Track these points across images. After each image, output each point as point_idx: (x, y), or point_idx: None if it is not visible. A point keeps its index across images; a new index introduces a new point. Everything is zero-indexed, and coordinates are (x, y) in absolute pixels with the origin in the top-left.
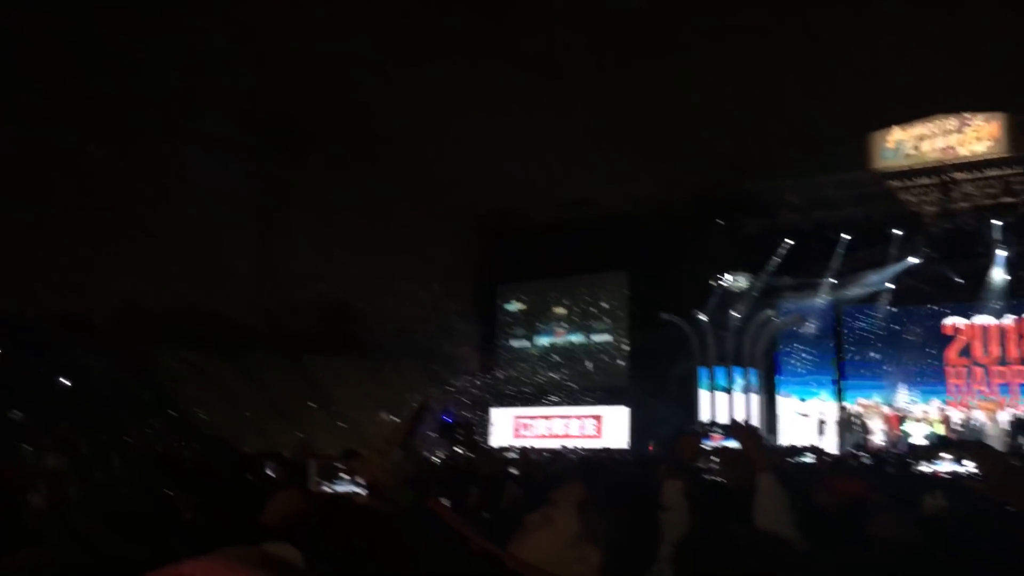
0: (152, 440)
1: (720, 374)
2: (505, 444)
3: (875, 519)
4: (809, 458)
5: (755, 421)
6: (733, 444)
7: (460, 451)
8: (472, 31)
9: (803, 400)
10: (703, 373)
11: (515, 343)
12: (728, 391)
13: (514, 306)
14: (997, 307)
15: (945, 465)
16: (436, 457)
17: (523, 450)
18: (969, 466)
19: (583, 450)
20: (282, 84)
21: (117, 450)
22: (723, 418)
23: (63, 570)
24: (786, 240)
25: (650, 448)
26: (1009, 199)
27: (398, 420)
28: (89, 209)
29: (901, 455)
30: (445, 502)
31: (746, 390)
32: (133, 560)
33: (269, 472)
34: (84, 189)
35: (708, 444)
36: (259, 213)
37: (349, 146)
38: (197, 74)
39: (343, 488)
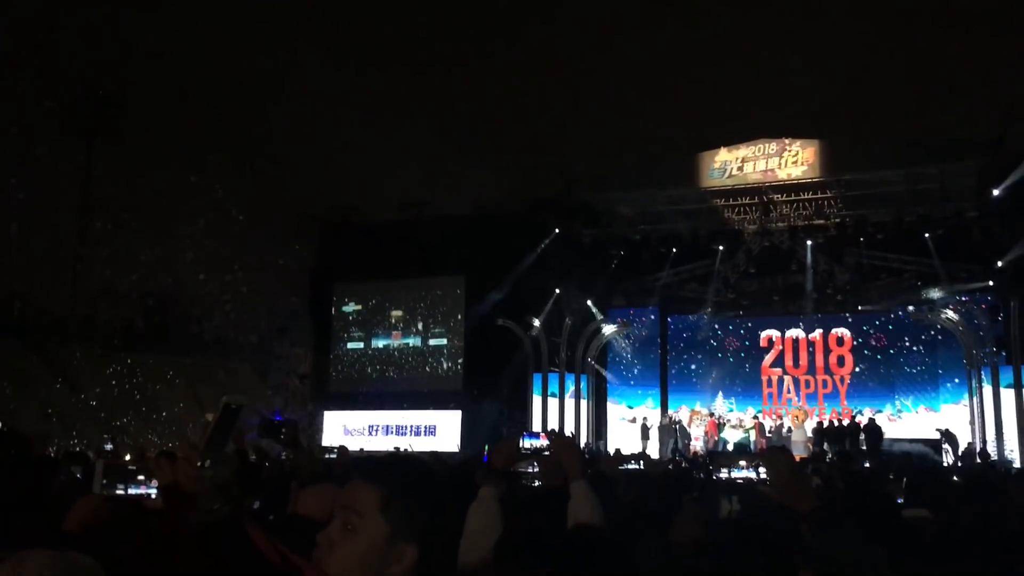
0: None
1: (552, 380)
2: (334, 445)
3: (674, 523)
4: (637, 465)
5: (584, 426)
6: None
7: (283, 451)
8: (315, 23)
9: (631, 407)
10: (536, 378)
11: (351, 344)
12: (560, 397)
13: (350, 307)
14: (808, 320)
15: (745, 471)
16: (261, 458)
17: (341, 449)
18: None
19: (410, 452)
20: (106, 63)
21: None
22: (555, 423)
23: None
24: (618, 250)
25: (485, 452)
26: (820, 221)
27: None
28: None
29: (700, 461)
30: (258, 504)
31: (576, 396)
32: None
33: (75, 473)
34: None
35: (532, 445)
36: (74, 198)
37: (179, 135)
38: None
39: (139, 491)
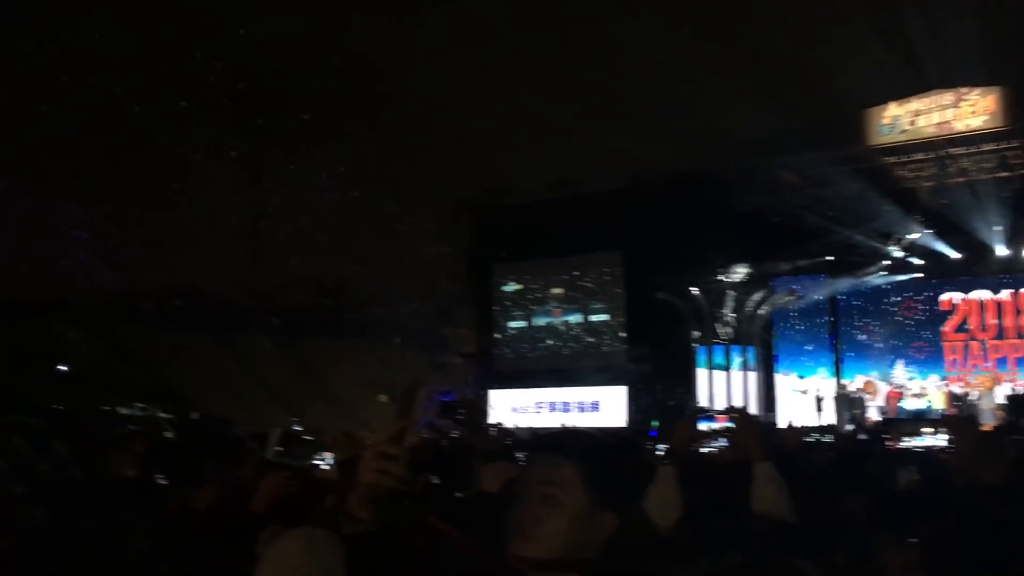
0: (146, 425)
1: (718, 352)
2: (503, 423)
3: (845, 498)
4: (825, 438)
5: (753, 399)
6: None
7: (458, 431)
8: (461, 3)
9: (801, 377)
10: (701, 352)
11: (512, 324)
12: (726, 369)
13: (510, 286)
14: (994, 281)
15: (928, 439)
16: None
17: (498, 426)
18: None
19: (579, 429)
20: (268, 58)
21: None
22: (721, 397)
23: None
24: (782, 217)
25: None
26: (1005, 173)
27: (400, 410)
28: (75, 192)
29: (880, 431)
30: (435, 480)
31: (744, 368)
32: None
33: (270, 455)
34: (72, 173)
35: (710, 426)
36: (248, 191)
37: (343, 123)
38: (176, 48)
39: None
